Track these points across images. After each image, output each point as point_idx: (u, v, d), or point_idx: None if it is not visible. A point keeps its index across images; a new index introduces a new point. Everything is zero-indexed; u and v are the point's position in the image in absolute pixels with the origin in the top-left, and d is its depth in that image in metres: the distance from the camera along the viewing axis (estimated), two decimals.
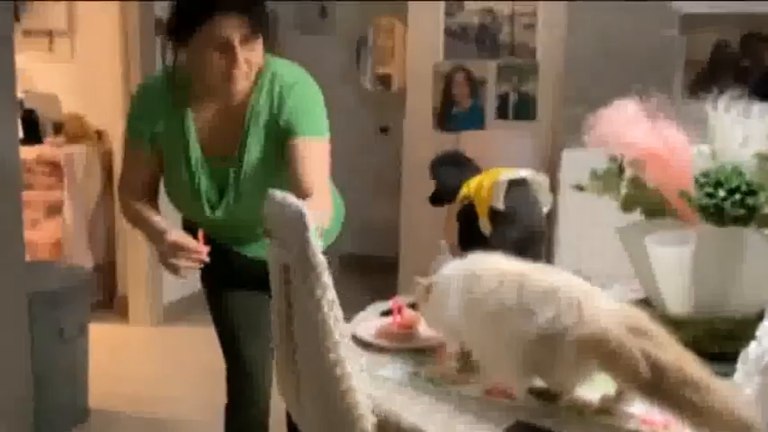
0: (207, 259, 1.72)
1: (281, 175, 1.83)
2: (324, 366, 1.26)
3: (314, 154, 1.82)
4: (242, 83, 1.79)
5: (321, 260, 1.25)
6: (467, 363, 1.39)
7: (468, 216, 1.90)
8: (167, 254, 1.72)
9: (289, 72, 1.88)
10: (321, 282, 1.25)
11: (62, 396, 2.97)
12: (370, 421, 1.26)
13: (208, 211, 1.89)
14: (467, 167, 2.04)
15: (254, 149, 1.86)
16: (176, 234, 1.75)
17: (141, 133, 1.90)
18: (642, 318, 1.21)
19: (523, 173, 1.87)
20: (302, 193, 1.75)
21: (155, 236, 1.80)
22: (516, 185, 1.84)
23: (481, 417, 1.24)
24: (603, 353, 1.17)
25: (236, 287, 2.06)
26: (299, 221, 1.25)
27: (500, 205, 1.80)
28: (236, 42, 1.72)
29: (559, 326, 1.20)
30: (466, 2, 4.05)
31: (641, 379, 1.13)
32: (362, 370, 1.38)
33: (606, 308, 1.22)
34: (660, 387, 1.12)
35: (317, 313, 1.25)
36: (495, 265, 1.36)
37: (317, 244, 1.25)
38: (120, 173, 2.04)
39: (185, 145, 1.88)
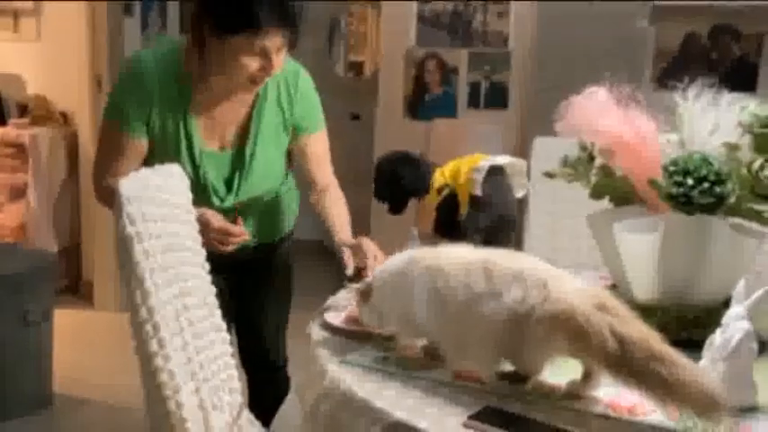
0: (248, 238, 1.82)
1: (281, 159, 1.97)
2: (137, 335, 1.34)
3: (321, 147, 2.00)
4: (264, 83, 1.82)
5: (128, 234, 1.30)
6: (432, 356, 1.39)
7: (450, 206, 1.90)
8: (214, 238, 1.72)
9: (286, 61, 1.88)
10: (128, 255, 1.30)
11: (26, 381, 2.92)
12: (175, 401, 1.35)
13: (216, 202, 1.87)
14: (424, 163, 2.03)
15: (261, 139, 1.89)
16: (217, 219, 1.74)
17: (139, 118, 1.79)
18: (608, 296, 1.23)
19: (501, 160, 1.87)
20: (320, 187, 1.99)
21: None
22: (492, 172, 1.84)
23: (450, 401, 1.24)
24: (571, 329, 1.18)
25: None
26: (117, 200, 1.32)
27: (478, 191, 1.80)
28: (274, 52, 1.73)
29: (527, 305, 1.22)
30: None
31: (609, 354, 1.15)
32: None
33: (573, 287, 1.24)
34: (627, 362, 1.14)
35: (128, 286, 1.32)
36: (458, 255, 1.35)
37: (125, 221, 1.30)
38: (98, 162, 1.87)
39: (188, 138, 1.83)
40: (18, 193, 3.98)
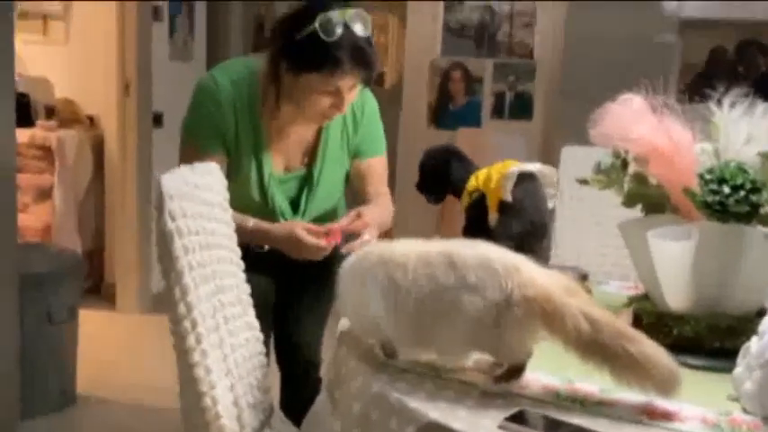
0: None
1: (343, 178, 1.98)
2: (175, 331, 1.36)
3: (378, 170, 1.99)
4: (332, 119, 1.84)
5: (169, 230, 1.30)
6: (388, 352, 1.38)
7: (478, 209, 1.91)
8: (304, 249, 1.76)
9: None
10: (168, 251, 1.31)
11: (50, 379, 2.95)
12: (211, 397, 1.36)
13: (282, 222, 1.88)
14: (471, 163, 2.05)
15: (328, 160, 1.91)
16: (309, 238, 1.76)
17: (217, 144, 1.80)
18: (570, 280, 1.28)
19: (532, 166, 1.88)
20: (370, 198, 1.96)
21: (278, 241, 1.78)
22: (525, 179, 1.84)
23: (484, 404, 1.24)
24: (548, 311, 1.21)
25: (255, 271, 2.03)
26: (158, 191, 1.31)
27: (507, 197, 1.80)
28: (346, 91, 1.74)
29: (505, 291, 1.23)
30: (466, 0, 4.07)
31: (582, 334, 1.19)
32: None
33: (542, 271, 1.27)
34: (600, 341, 1.18)
35: (168, 281, 1.34)
36: (413, 246, 1.34)
37: (166, 218, 1.30)
38: None
39: (258, 163, 1.84)
40: (44, 194, 4.02)
